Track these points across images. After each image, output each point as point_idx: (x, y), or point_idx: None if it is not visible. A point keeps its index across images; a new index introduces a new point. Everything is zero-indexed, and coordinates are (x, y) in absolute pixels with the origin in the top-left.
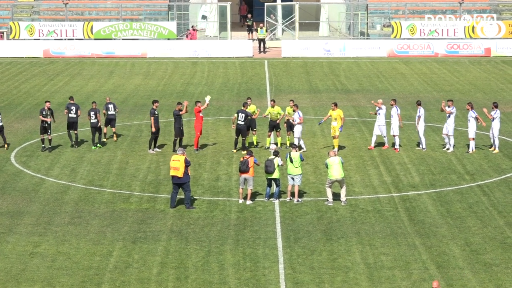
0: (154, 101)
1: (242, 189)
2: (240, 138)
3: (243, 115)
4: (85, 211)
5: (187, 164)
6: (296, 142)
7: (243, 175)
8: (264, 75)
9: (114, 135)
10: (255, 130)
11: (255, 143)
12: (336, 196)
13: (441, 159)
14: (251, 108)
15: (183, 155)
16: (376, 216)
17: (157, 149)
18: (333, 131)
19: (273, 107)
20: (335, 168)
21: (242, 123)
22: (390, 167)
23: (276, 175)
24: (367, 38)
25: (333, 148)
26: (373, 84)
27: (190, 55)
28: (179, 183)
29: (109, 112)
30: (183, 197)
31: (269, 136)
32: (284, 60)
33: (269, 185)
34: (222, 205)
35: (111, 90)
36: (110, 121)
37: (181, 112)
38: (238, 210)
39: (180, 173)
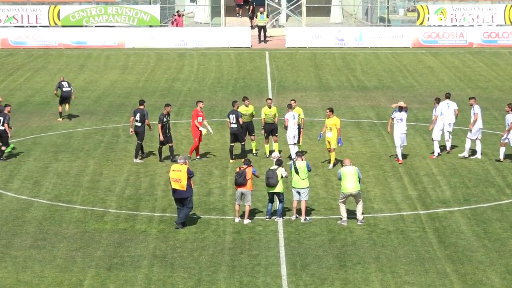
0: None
1: (239, 205)
2: (238, 145)
3: (234, 116)
4: (50, 232)
5: (190, 175)
6: (292, 151)
7: (240, 189)
8: (265, 69)
9: (67, 107)
10: (254, 135)
11: (254, 150)
12: (352, 214)
13: (477, 170)
14: (248, 110)
15: (185, 164)
16: (399, 238)
17: (139, 160)
18: (328, 143)
19: (269, 107)
20: (350, 180)
21: (235, 125)
22: (416, 179)
23: (279, 188)
24: (387, 25)
25: (329, 162)
26: (395, 80)
27: (176, 45)
28: (182, 198)
29: (64, 89)
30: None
31: (266, 142)
32: (288, 51)
33: (271, 201)
34: (214, 224)
35: (82, 87)
36: (64, 99)
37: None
38: (233, 231)
39: (182, 186)
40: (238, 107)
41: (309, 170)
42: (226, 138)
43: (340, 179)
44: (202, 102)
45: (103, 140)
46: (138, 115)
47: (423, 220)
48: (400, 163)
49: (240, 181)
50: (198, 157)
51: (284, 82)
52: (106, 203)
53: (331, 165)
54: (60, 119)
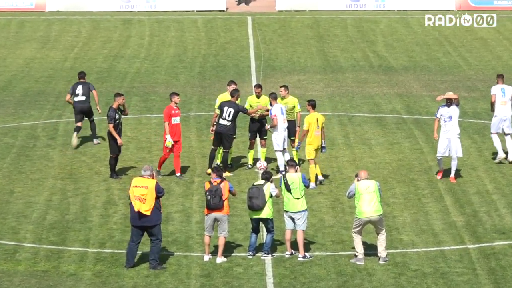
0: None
1: (210, 236)
2: (220, 150)
3: (231, 110)
4: None
5: (159, 193)
6: (279, 160)
7: (213, 214)
8: (246, 42)
9: None
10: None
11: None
12: (371, 249)
13: None
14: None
15: (153, 177)
16: (439, 283)
17: (76, 141)
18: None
19: (258, 97)
20: (368, 200)
21: (229, 123)
22: (463, 198)
23: (266, 213)
24: None
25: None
26: (432, 57)
27: (119, 8)
28: (145, 226)
29: None
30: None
31: (251, 146)
32: (280, 17)
33: (255, 231)
34: (175, 264)
35: None
36: None
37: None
38: (202, 274)
39: (147, 208)
40: (238, 97)
41: (306, 186)
42: (190, 141)
43: (351, 197)
44: (177, 95)
45: (15, 144)
46: (80, 88)
47: (472, 258)
48: (439, 178)
49: (214, 203)
50: (159, 169)
51: (273, 60)
52: (19, 234)
53: (312, 183)
54: None
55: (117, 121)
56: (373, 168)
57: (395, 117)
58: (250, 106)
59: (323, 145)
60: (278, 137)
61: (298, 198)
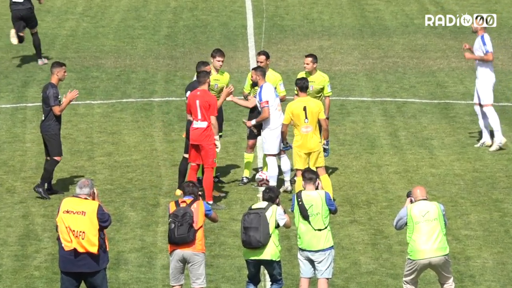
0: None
1: (180, 287)
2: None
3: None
4: None
5: (104, 222)
6: (271, 168)
7: (179, 251)
8: None
9: None
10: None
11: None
12: None
13: None
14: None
15: (93, 197)
16: None
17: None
18: (305, 156)
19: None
20: (427, 232)
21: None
22: None
23: (270, 252)
24: None
25: None
26: None
27: None
28: (82, 273)
29: None
30: None
31: (250, 148)
32: None
33: (254, 280)
34: None
35: None
36: None
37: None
38: None
39: (88, 246)
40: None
41: (332, 211)
42: (154, 141)
43: (401, 228)
44: (209, 74)
45: None
46: None
47: None
48: None
49: (180, 234)
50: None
51: (282, 17)
52: None
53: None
54: None
55: (61, 103)
56: (436, 183)
57: (469, 105)
58: (252, 87)
59: (324, 146)
60: (271, 135)
61: (319, 230)
